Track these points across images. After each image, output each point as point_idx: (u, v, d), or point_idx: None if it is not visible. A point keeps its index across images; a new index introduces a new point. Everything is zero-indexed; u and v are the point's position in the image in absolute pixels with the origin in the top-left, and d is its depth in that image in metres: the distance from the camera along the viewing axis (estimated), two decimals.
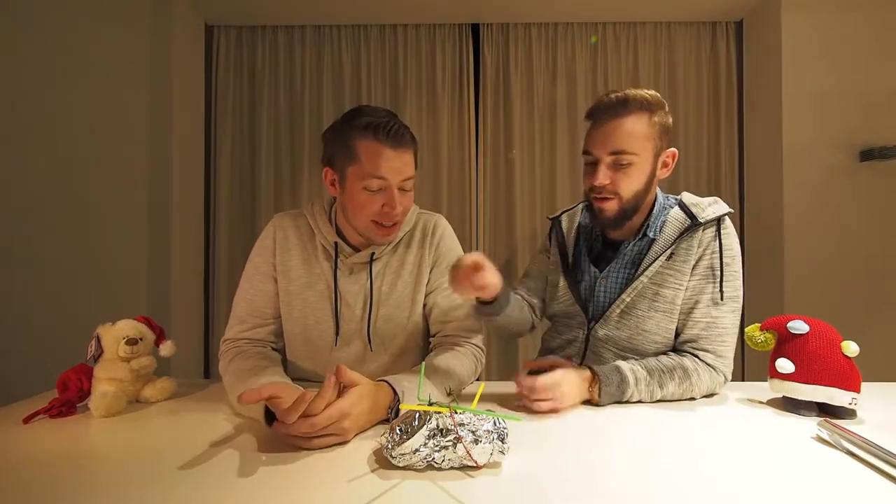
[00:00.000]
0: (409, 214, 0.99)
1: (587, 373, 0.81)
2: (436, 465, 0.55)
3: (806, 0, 1.87)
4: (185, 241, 2.01)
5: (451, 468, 0.56)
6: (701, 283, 0.86)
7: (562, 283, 1.00)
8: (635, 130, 0.85)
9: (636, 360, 0.85)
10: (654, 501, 0.50)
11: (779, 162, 1.90)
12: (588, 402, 0.81)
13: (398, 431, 0.56)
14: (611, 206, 0.88)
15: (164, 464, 0.59)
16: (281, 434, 0.62)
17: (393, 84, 2.18)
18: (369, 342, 0.95)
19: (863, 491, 0.51)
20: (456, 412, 0.57)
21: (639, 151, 0.85)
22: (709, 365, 0.85)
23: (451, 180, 2.17)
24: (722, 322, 0.86)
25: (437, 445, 0.55)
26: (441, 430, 0.55)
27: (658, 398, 0.81)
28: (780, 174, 1.89)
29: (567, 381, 0.77)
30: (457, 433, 0.55)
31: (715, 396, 0.87)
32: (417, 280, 0.96)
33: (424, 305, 0.98)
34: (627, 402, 0.81)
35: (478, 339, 0.96)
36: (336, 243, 0.94)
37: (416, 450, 0.54)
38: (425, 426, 0.55)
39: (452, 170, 2.18)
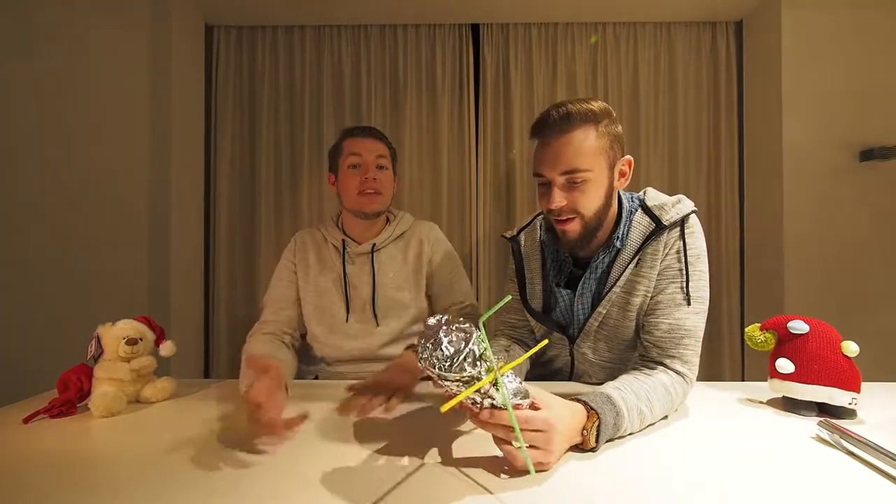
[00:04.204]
0: (406, 221, 1.20)
1: (579, 406, 0.63)
2: (447, 391, 0.53)
3: (806, 0, 1.87)
4: (185, 241, 2.01)
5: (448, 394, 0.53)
6: (662, 283, 0.82)
7: (528, 314, 0.97)
8: (584, 146, 0.79)
9: (617, 384, 0.72)
10: (655, 500, 0.50)
11: (779, 162, 1.90)
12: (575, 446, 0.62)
13: (443, 348, 0.51)
14: (573, 227, 0.83)
15: (165, 464, 0.59)
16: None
17: (393, 84, 2.18)
18: (375, 318, 1.12)
19: (863, 491, 0.51)
20: (495, 387, 0.53)
21: (592, 167, 0.79)
22: (679, 373, 0.78)
23: (451, 180, 2.17)
24: (686, 324, 0.80)
25: (461, 380, 0.51)
26: (473, 378, 0.52)
27: (647, 423, 0.70)
28: (780, 174, 1.89)
29: (560, 421, 0.58)
30: (484, 398, 0.53)
31: (715, 397, 0.86)
32: (417, 270, 1.16)
33: (428, 297, 1.19)
34: (619, 437, 0.66)
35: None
36: (343, 240, 1.14)
37: (452, 365, 0.50)
38: (466, 361, 0.51)
39: (452, 170, 2.18)
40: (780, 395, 0.80)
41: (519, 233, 1.03)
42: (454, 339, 0.52)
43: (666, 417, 0.75)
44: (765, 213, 2.02)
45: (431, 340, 0.52)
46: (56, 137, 1.78)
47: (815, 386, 0.75)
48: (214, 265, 2.16)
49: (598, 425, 0.62)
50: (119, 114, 1.81)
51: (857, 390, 0.74)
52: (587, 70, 2.17)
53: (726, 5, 2.04)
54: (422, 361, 0.52)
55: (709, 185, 2.17)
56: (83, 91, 1.79)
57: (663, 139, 2.17)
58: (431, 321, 0.55)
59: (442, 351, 0.50)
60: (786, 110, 1.88)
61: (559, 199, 0.81)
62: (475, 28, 2.19)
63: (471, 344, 0.51)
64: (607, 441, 0.65)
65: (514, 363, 0.59)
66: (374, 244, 1.13)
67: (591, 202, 0.81)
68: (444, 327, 0.53)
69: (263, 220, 2.14)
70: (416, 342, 0.52)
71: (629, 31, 2.17)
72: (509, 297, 0.67)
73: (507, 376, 0.56)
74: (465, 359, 0.51)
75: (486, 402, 0.54)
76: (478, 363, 0.51)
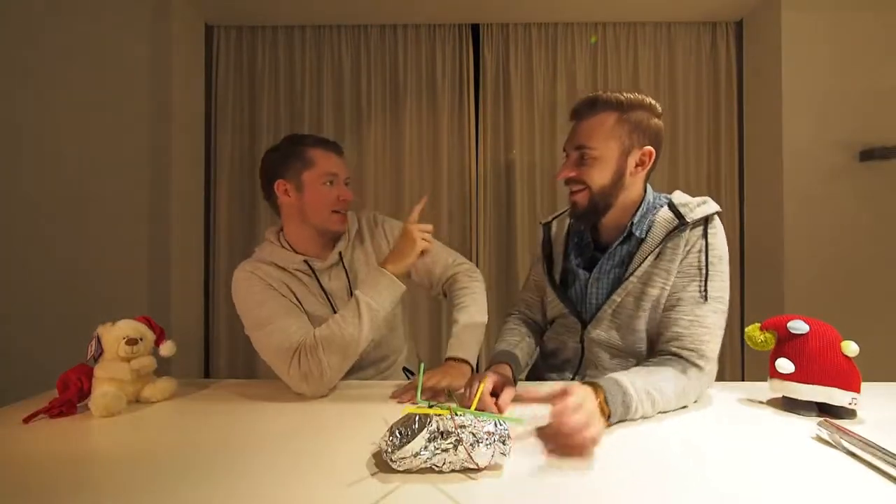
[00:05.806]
0: (352, 219, 1.17)
1: (588, 388, 0.69)
2: (436, 469, 0.55)
3: (806, 0, 1.87)
4: (185, 241, 2.01)
5: (452, 471, 0.55)
6: (683, 280, 0.85)
7: (550, 289, 1.01)
8: (599, 127, 0.88)
9: (625, 370, 0.79)
10: (655, 501, 0.50)
11: (779, 162, 1.89)
12: None
13: (398, 434, 0.55)
14: (581, 198, 0.91)
15: (164, 464, 0.59)
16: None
17: (393, 84, 2.18)
18: None
19: (863, 491, 0.51)
20: (457, 414, 0.56)
21: (599, 147, 0.87)
22: (694, 365, 0.81)
23: (451, 180, 2.17)
24: (705, 321, 0.82)
25: (437, 448, 0.54)
26: (441, 433, 0.55)
27: (660, 408, 0.75)
28: (780, 174, 1.89)
29: (572, 387, 0.66)
30: (457, 435, 0.54)
31: (715, 397, 0.86)
32: (382, 259, 1.12)
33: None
34: (631, 419, 0.72)
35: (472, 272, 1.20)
36: (306, 261, 1.06)
37: (417, 453, 0.54)
38: (425, 429, 0.55)
39: (452, 170, 2.18)
40: (780, 395, 0.80)
41: (553, 219, 1.11)
42: (400, 423, 0.57)
43: (685, 407, 0.79)
44: (765, 213, 2.02)
45: (386, 439, 0.56)
46: (56, 137, 1.79)
47: (815, 386, 0.75)
48: (214, 265, 2.15)
49: (605, 395, 0.68)
50: (119, 114, 1.81)
51: (857, 390, 0.74)
52: (587, 70, 2.17)
53: (726, 5, 2.04)
54: (389, 457, 0.55)
55: (709, 185, 2.16)
56: (83, 92, 1.79)
57: (663, 139, 2.17)
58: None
59: (398, 432, 0.56)
60: (786, 110, 1.88)
61: (567, 170, 0.91)
62: (475, 28, 2.19)
63: (416, 415, 0.57)
64: (621, 421, 0.70)
65: (474, 403, 0.62)
66: (340, 253, 1.11)
67: (597, 177, 0.88)
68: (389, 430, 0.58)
69: (263, 220, 2.14)
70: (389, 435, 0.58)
71: (629, 31, 2.17)
72: (423, 368, 0.76)
73: (467, 418, 0.57)
74: (418, 419, 0.56)
75: (470, 435, 0.56)
76: (428, 416, 0.57)
